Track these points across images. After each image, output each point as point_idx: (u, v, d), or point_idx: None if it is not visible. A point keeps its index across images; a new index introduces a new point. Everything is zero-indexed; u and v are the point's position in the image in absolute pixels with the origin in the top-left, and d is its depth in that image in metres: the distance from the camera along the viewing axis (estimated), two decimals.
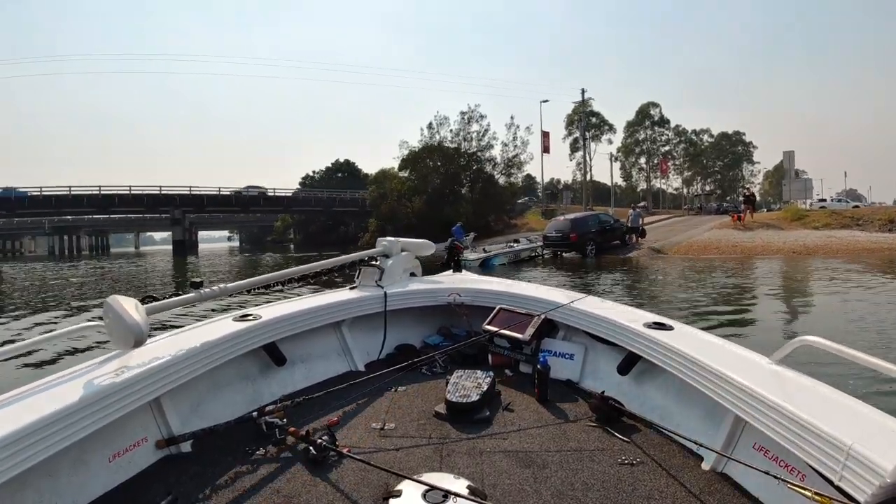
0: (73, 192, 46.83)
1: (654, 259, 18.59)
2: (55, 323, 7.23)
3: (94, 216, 63.50)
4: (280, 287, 2.82)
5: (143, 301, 1.98)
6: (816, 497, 1.27)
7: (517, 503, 1.65)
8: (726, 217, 27.54)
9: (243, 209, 57.58)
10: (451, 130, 42.24)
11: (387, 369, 2.58)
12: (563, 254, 20.61)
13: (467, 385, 2.38)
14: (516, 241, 22.11)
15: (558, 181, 71.95)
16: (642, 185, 62.65)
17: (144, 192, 48.60)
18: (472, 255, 18.41)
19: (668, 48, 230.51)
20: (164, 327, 2.31)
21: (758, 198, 43.99)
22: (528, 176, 53.13)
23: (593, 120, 53.21)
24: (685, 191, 68.48)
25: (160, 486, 1.73)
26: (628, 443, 2.05)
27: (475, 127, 41.90)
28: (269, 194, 54.27)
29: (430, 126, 42.38)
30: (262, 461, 1.91)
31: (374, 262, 3.37)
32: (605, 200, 50.69)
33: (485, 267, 17.54)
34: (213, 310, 5.07)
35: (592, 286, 11.54)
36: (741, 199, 30.18)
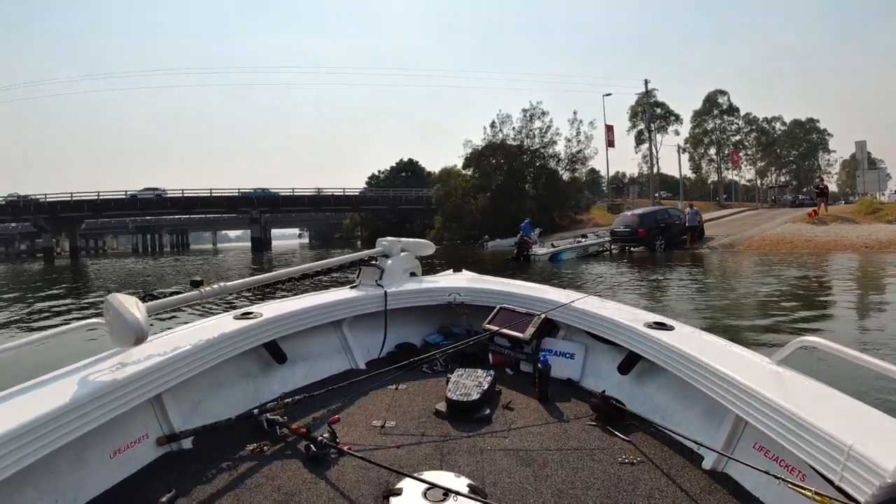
0: (158, 196, 50.82)
1: (725, 254, 18.24)
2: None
3: (176, 216, 68.24)
4: (281, 286, 2.82)
5: (143, 299, 1.98)
6: (817, 497, 1.25)
7: (517, 502, 1.65)
8: (802, 210, 26.44)
9: (315, 208, 60.11)
10: (513, 128, 42.49)
11: (387, 367, 2.59)
12: (632, 249, 20.49)
13: (468, 384, 2.39)
14: (584, 236, 22.38)
15: (623, 175, 70.46)
16: (713, 177, 60.14)
17: (225, 195, 52.05)
18: (541, 249, 18.78)
19: (734, 31, 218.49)
20: (165, 325, 2.38)
21: (834, 189, 41.67)
22: (593, 170, 52.18)
23: (658, 111, 51.50)
24: (759, 182, 65.26)
25: (161, 483, 1.72)
26: (628, 442, 2.04)
27: (537, 124, 41.98)
28: (339, 194, 56.61)
29: (492, 125, 42.78)
30: (263, 458, 1.92)
31: (374, 262, 3.40)
32: (674, 193, 49.35)
33: (553, 261, 17.92)
34: (213, 306, 5.10)
35: (662, 282, 11.51)
36: (815, 191, 28.96)
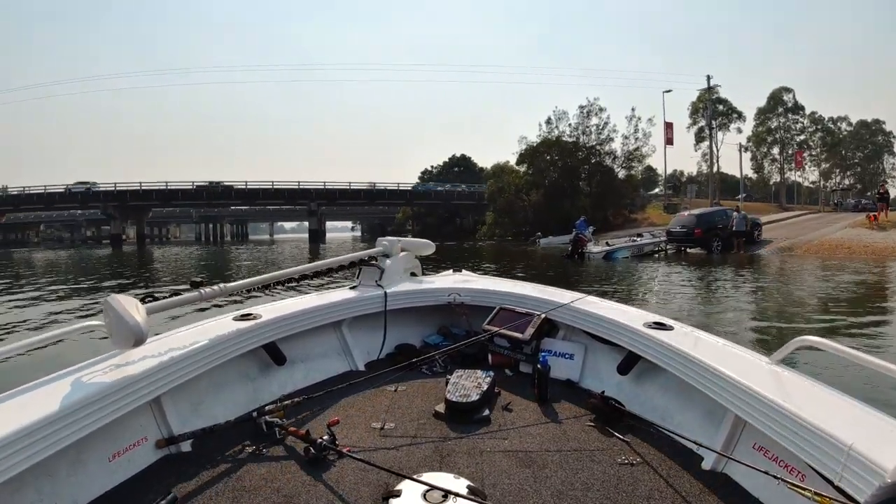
0: (222, 187, 53.35)
1: (782, 257, 17.81)
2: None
3: (238, 207, 71.56)
4: (281, 286, 2.82)
5: (143, 300, 1.98)
6: (816, 497, 1.25)
7: (517, 503, 1.65)
8: (863, 214, 25.22)
9: (370, 202, 61.44)
10: (569, 125, 42.00)
11: (387, 369, 2.60)
12: (688, 249, 20.24)
13: (467, 385, 2.39)
14: (639, 235, 22.27)
15: (681, 173, 68.40)
16: (775, 178, 57.74)
17: (285, 187, 54.30)
18: (596, 248, 18.77)
19: (800, 26, 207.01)
20: (164, 326, 2.43)
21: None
22: (650, 168, 50.61)
23: (720, 108, 49.70)
24: (823, 184, 62.40)
25: (160, 486, 1.73)
26: (628, 443, 2.04)
27: (594, 120, 41.34)
28: (393, 188, 58.05)
29: (548, 121, 42.45)
30: (262, 461, 1.92)
31: (374, 262, 3.37)
32: (734, 193, 47.66)
33: (608, 259, 17.83)
34: (216, 306, 5.10)
35: (716, 283, 11.33)
36: (876, 196, 27.79)
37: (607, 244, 19.48)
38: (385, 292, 3.17)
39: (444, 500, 1.53)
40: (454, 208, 57.22)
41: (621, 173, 41.56)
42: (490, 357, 2.97)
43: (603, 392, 2.37)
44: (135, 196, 51.96)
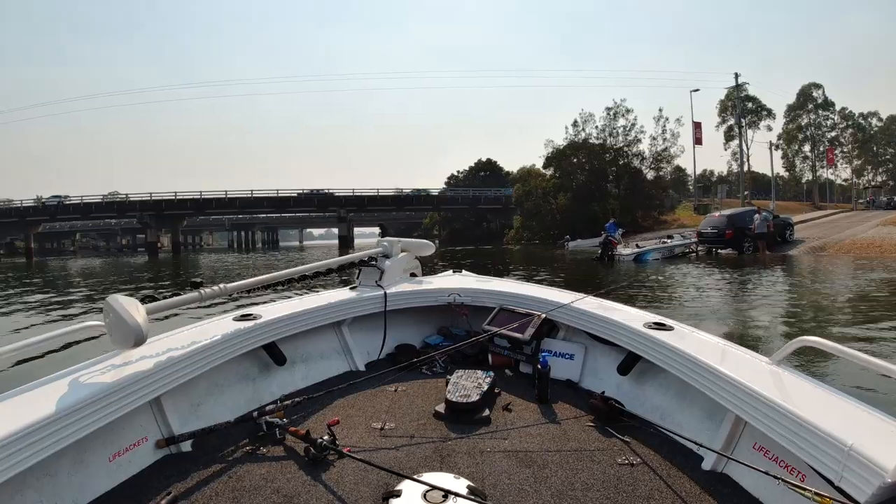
0: (254, 195, 54.65)
1: (814, 257, 17.59)
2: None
3: (269, 214, 73.08)
4: (281, 287, 2.82)
5: (143, 301, 1.96)
6: (816, 497, 1.24)
7: (517, 503, 1.65)
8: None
9: (398, 208, 61.82)
10: (596, 127, 41.84)
11: (387, 369, 2.60)
12: (719, 251, 20.04)
13: (467, 385, 2.38)
14: (670, 236, 22.31)
15: (711, 173, 67.21)
16: (807, 176, 56.60)
17: (315, 194, 55.61)
18: (626, 250, 18.81)
19: (825, 20, 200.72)
20: (164, 326, 2.44)
21: None
22: (679, 168, 49.56)
23: (749, 105, 48.92)
24: (855, 181, 60.56)
25: (160, 486, 1.73)
26: (628, 443, 2.04)
27: (621, 122, 41.13)
28: (420, 194, 59.05)
29: (574, 124, 42.32)
30: (263, 461, 1.91)
31: (373, 263, 3.38)
32: (766, 193, 46.63)
33: (638, 261, 17.91)
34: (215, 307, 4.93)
35: (750, 284, 11.17)
36: None
37: (637, 246, 19.54)
38: (385, 293, 3.18)
39: (444, 501, 1.53)
40: (481, 213, 57.33)
41: (650, 174, 41.28)
42: (490, 357, 2.98)
43: (603, 392, 2.39)
44: (170, 205, 52.73)
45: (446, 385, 2.43)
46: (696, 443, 1.90)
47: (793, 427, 1.45)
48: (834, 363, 3.28)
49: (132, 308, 1.83)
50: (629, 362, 2.50)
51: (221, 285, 2.31)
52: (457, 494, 1.51)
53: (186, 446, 2.01)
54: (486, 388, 2.38)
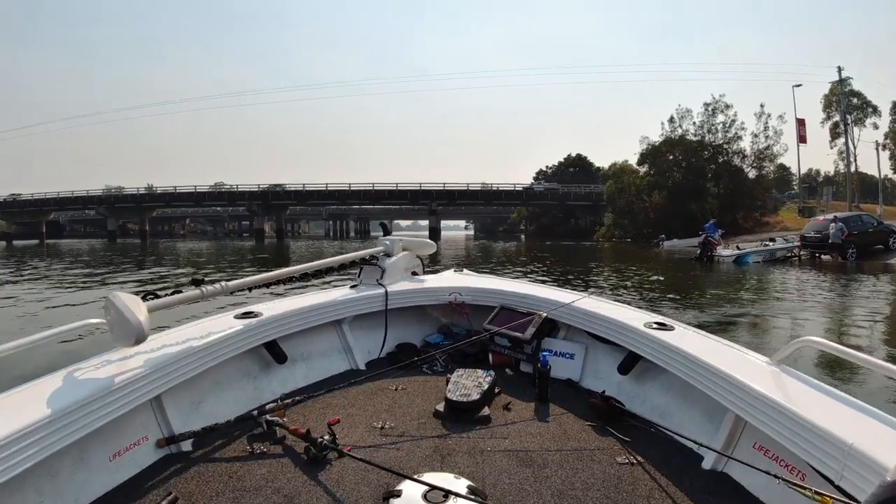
0: (352, 188, 58.07)
1: None
2: None
3: (363, 206, 76.70)
4: (282, 285, 2.80)
5: (144, 298, 1.96)
6: (817, 496, 1.22)
7: (517, 503, 1.64)
8: None
9: (487, 202, 62.32)
10: (693, 123, 40.39)
11: (387, 368, 2.60)
12: (822, 256, 19.15)
13: (468, 384, 2.38)
14: (771, 239, 21.70)
15: (817, 172, 62.79)
16: None
17: (408, 188, 57.72)
18: (726, 251, 18.65)
19: None
20: (165, 324, 2.42)
21: None
22: (782, 166, 46.65)
23: (854, 101, 44.06)
24: None
25: (161, 485, 1.72)
26: (628, 442, 2.03)
27: (720, 118, 39.47)
28: (509, 189, 58.97)
29: (671, 120, 41.14)
30: (263, 460, 1.90)
31: (374, 261, 3.36)
32: (873, 196, 42.51)
33: (738, 263, 17.62)
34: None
35: (851, 292, 10.76)
36: None
37: (738, 248, 19.17)
38: (386, 291, 3.18)
39: (444, 500, 1.52)
40: (570, 209, 56.82)
41: (751, 173, 39.40)
42: (491, 356, 2.96)
43: (603, 392, 2.40)
44: (276, 195, 58.27)
45: (447, 384, 2.43)
46: (696, 442, 1.91)
47: (793, 426, 1.46)
48: (834, 363, 3.26)
49: (134, 305, 1.83)
50: (630, 362, 2.51)
51: (223, 283, 2.30)
52: (457, 494, 1.52)
53: (187, 445, 2.00)
54: (486, 387, 2.37)
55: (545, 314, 2.83)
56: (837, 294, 10.69)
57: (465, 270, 3.96)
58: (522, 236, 67.36)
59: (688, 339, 2.18)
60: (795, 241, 20.45)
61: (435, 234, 56.75)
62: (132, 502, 1.65)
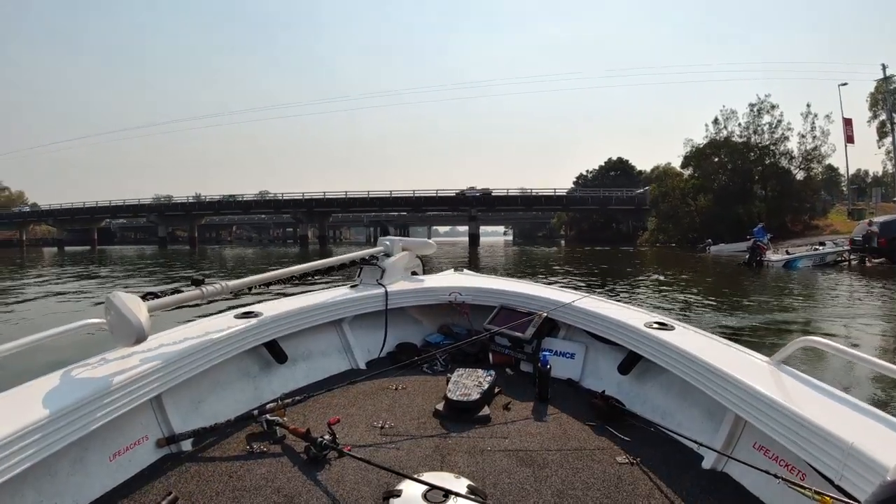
0: (392, 195, 58.97)
1: None
2: None
3: (402, 213, 77.27)
4: (282, 285, 2.79)
5: (144, 298, 1.93)
6: (817, 496, 1.22)
7: (518, 502, 1.64)
8: None
9: (526, 207, 61.83)
10: (738, 124, 39.55)
11: (388, 368, 2.59)
12: (871, 260, 18.65)
13: (468, 384, 2.37)
14: (821, 243, 21.21)
15: (865, 173, 59.89)
16: None
17: (448, 195, 57.85)
18: (775, 256, 18.48)
19: None
20: (165, 324, 2.40)
21: None
22: (830, 167, 44.99)
23: None
24: None
25: (161, 485, 1.72)
26: (629, 442, 2.03)
27: (766, 119, 38.56)
28: (549, 194, 58.74)
29: (715, 121, 40.37)
30: (263, 460, 1.90)
31: (375, 261, 3.35)
32: None
33: (787, 268, 17.47)
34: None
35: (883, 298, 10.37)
36: None
37: (787, 252, 18.94)
38: (386, 291, 3.17)
39: (444, 500, 1.52)
40: (611, 213, 56.12)
41: (799, 175, 38.29)
42: (491, 356, 2.95)
43: (603, 391, 2.39)
44: (319, 203, 59.91)
45: (447, 384, 2.42)
46: (696, 442, 1.90)
47: (793, 426, 1.45)
48: (834, 363, 3.24)
49: (134, 305, 1.82)
50: (630, 362, 2.50)
51: (223, 283, 2.27)
52: (457, 494, 1.52)
53: (187, 445, 1.99)
54: (486, 386, 2.37)
55: (545, 314, 2.83)
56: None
57: (466, 270, 3.97)
58: (562, 242, 66.79)
59: (688, 338, 2.18)
60: (845, 245, 20.12)
61: (474, 240, 57.15)
62: (132, 502, 1.65)
